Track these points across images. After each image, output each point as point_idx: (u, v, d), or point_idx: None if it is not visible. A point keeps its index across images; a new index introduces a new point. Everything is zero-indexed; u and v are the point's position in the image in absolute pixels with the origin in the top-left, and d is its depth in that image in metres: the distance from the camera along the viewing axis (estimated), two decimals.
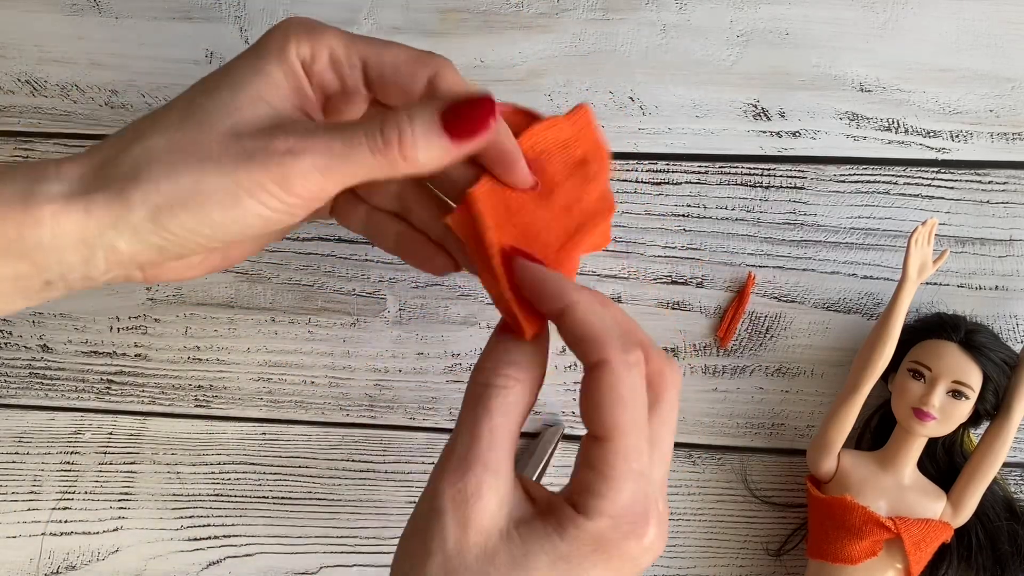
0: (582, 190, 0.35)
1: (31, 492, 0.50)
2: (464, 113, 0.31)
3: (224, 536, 0.49)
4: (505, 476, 0.31)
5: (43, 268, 0.31)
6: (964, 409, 0.41)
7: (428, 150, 0.30)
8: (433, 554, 0.30)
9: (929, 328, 0.43)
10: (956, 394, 0.41)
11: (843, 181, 0.46)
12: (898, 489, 0.42)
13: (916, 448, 0.42)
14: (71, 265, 0.31)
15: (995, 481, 0.43)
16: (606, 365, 0.29)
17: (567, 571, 0.30)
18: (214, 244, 0.32)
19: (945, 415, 0.41)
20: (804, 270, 0.47)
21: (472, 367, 0.47)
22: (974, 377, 0.41)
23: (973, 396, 0.41)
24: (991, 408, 0.42)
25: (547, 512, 0.31)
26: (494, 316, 0.48)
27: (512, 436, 0.32)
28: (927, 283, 0.45)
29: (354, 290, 0.49)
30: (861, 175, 0.46)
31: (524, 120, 0.34)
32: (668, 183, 0.47)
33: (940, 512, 0.42)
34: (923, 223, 0.41)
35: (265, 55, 0.32)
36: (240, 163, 0.30)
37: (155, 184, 0.30)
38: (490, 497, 0.31)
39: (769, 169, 0.47)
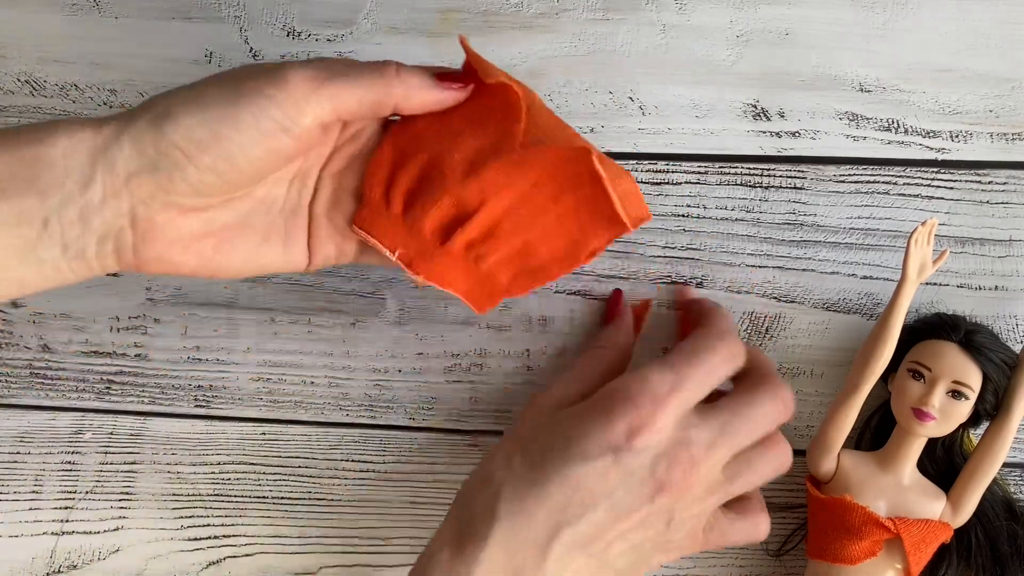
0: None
1: (32, 492, 0.50)
2: (453, 75, 0.38)
3: (224, 536, 0.49)
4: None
5: (45, 196, 0.32)
6: (964, 409, 0.41)
7: (420, 81, 0.36)
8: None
9: (928, 328, 0.43)
10: (956, 394, 0.41)
11: (843, 181, 0.46)
12: (898, 489, 0.42)
13: (916, 448, 0.42)
14: (70, 194, 0.33)
15: (995, 481, 0.43)
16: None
17: (578, 419, 0.35)
18: (210, 174, 0.34)
19: (945, 415, 0.41)
20: (804, 270, 0.47)
21: (472, 367, 0.48)
22: (974, 377, 0.41)
23: (973, 396, 0.41)
24: (991, 408, 0.42)
25: None
26: (493, 316, 0.48)
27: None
28: (927, 283, 0.45)
29: (354, 290, 0.49)
30: (861, 175, 0.46)
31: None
32: (668, 183, 0.47)
33: (940, 512, 0.42)
34: (923, 223, 0.41)
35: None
36: (244, 73, 0.33)
37: (163, 103, 0.33)
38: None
39: (769, 169, 0.47)
